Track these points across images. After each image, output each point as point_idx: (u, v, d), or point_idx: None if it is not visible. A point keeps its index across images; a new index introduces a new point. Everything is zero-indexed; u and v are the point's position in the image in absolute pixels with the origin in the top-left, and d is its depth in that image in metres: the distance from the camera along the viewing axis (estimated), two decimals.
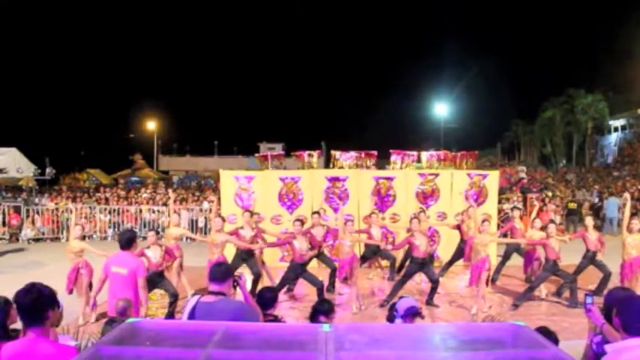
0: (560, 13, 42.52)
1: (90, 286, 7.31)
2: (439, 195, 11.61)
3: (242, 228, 8.72)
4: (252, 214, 8.82)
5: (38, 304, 2.45)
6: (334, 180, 11.48)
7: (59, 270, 10.78)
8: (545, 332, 3.28)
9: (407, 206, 11.39)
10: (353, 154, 12.11)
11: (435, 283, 8.16)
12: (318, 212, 9.19)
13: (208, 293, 3.34)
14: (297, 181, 11.47)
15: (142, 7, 49.46)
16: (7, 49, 38.84)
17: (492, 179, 12.04)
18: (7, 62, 39.08)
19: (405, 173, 11.81)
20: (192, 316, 3.21)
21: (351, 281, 8.05)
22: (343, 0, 56.62)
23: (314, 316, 3.90)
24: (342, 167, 11.96)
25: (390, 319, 3.89)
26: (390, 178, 11.63)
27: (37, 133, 36.27)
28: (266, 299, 3.98)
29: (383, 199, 11.52)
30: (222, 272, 3.42)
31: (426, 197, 11.59)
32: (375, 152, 12.39)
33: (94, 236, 16.59)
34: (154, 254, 7.08)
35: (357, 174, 11.65)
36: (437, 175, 11.76)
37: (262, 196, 11.29)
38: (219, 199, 11.40)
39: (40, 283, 2.54)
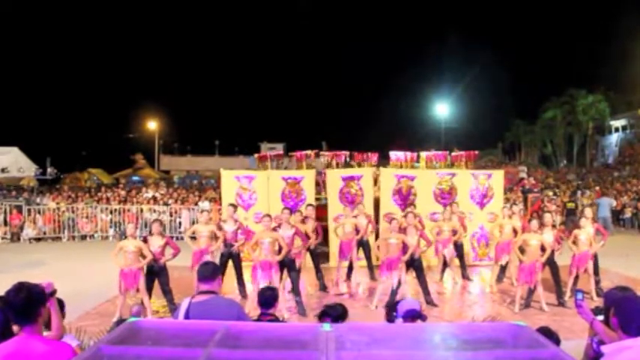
0: (561, 13, 42.48)
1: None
2: (456, 194, 11.62)
3: (225, 222, 8.83)
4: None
5: (29, 303, 2.47)
6: (349, 179, 11.52)
7: (60, 269, 10.86)
8: (547, 332, 3.29)
9: (426, 205, 11.39)
10: (343, 153, 12.23)
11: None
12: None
13: (199, 293, 3.37)
14: (300, 181, 11.51)
15: (142, 7, 49.46)
16: (8, 49, 38.90)
17: (497, 178, 12.07)
18: (8, 62, 39.13)
19: (424, 173, 11.86)
20: (186, 317, 3.25)
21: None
22: (344, 0, 56.56)
23: (322, 317, 3.90)
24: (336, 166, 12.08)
25: (390, 319, 3.89)
26: (411, 178, 11.66)
27: (38, 132, 36.31)
28: (266, 298, 3.98)
29: (404, 197, 11.55)
30: (210, 271, 3.48)
31: (444, 197, 11.59)
32: (376, 153, 12.48)
33: (96, 236, 16.63)
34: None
35: (371, 172, 11.73)
36: (454, 174, 11.81)
37: (265, 196, 11.33)
38: (220, 198, 11.45)
39: (29, 282, 2.56)
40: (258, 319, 3.83)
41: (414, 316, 3.74)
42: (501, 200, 11.88)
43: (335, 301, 4.31)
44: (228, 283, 8.85)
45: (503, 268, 9.67)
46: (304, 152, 12.21)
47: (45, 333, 2.70)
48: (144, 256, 7.34)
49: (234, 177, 11.74)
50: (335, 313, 3.92)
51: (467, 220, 11.32)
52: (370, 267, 10.10)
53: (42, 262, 11.90)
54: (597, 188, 21.69)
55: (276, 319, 3.93)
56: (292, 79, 51.55)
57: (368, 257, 10.13)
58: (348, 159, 12.33)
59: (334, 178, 11.62)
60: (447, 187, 11.67)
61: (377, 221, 11.15)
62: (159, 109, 42.73)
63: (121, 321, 4.54)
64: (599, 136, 39.11)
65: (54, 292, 2.84)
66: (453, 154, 12.78)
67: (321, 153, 12.96)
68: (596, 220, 16.39)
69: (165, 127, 44.49)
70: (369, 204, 11.38)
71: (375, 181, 11.93)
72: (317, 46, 53.83)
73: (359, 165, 12.25)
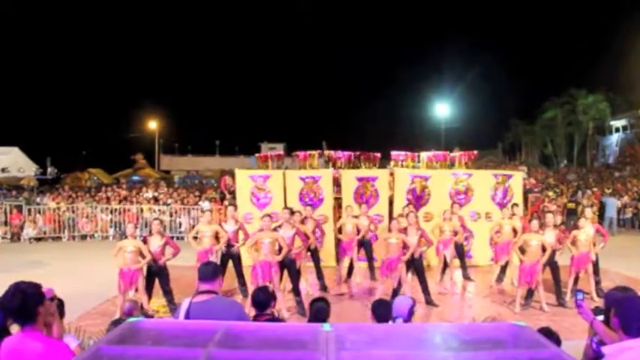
0: (562, 13, 42.42)
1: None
2: (472, 195, 11.65)
3: (226, 222, 8.86)
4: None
5: (26, 304, 2.49)
6: (364, 180, 11.56)
7: (61, 269, 10.85)
8: (548, 333, 3.29)
9: (440, 206, 11.35)
10: (348, 153, 12.24)
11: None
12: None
13: (199, 293, 3.37)
14: (318, 181, 11.53)
15: (142, 7, 49.46)
16: (9, 49, 38.91)
17: (517, 179, 12.10)
18: (8, 62, 39.14)
19: (439, 173, 11.88)
20: (186, 317, 3.24)
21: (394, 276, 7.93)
22: (344, 0, 56.54)
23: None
24: (340, 167, 12.08)
25: (384, 317, 3.90)
26: (425, 178, 11.69)
27: (38, 132, 36.30)
28: (260, 301, 3.97)
29: (418, 197, 11.58)
30: (211, 271, 3.48)
31: (460, 197, 11.58)
32: (378, 153, 12.53)
33: (96, 236, 16.62)
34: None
35: (387, 174, 11.81)
36: (470, 175, 11.84)
37: (280, 196, 11.37)
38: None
39: (24, 281, 2.56)
40: (254, 320, 3.82)
41: (414, 310, 3.83)
42: (521, 201, 11.91)
43: (321, 300, 4.32)
44: (231, 284, 8.86)
45: (503, 268, 9.67)
46: (308, 152, 12.22)
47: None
48: (143, 256, 7.34)
49: (248, 176, 11.71)
50: (325, 315, 3.95)
51: (484, 220, 11.37)
52: (371, 267, 10.10)
53: (42, 262, 11.89)
54: (595, 189, 21.65)
55: (273, 318, 3.92)
56: (292, 79, 51.61)
57: (369, 257, 10.13)
58: (354, 159, 12.37)
59: (349, 178, 11.66)
60: (463, 187, 11.70)
61: (390, 221, 11.20)
62: (159, 109, 42.80)
63: (117, 321, 4.55)
64: (600, 136, 39.06)
65: (54, 297, 2.83)
66: (452, 154, 12.78)
67: (326, 153, 12.94)
68: (603, 220, 16.41)
69: (166, 127, 44.56)
70: (385, 205, 11.48)
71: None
72: (317, 46, 53.86)
73: (360, 163, 12.29)
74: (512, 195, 11.77)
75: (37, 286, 2.59)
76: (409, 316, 3.90)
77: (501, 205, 11.60)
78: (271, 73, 51.28)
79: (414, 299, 4.34)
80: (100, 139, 41.84)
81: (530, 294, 8.02)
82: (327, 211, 11.31)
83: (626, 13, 32.75)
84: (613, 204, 17.78)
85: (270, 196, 11.42)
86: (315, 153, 12.22)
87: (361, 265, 10.16)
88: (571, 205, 17.11)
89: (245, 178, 11.71)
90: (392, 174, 11.96)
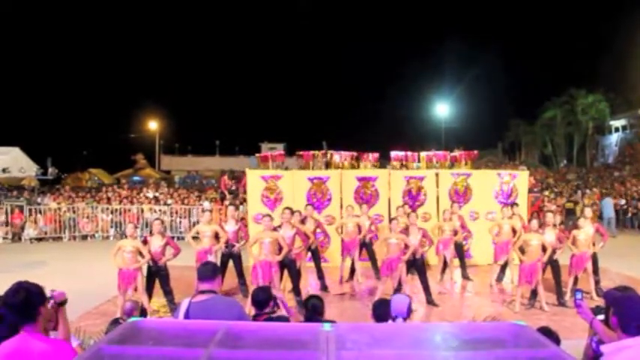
0: (561, 12, 42.36)
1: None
2: (471, 194, 11.68)
3: (226, 222, 8.87)
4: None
5: (28, 302, 2.49)
6: (364, 180, 11.58)
7: (61, 269, 10.86)
8: (547, 332, 3.30)
9: (439, 205, 11.42)
10: (347, 153, 12.29)
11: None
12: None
13: (199, 293, 3.37)
14: (326, 181, 11.55)
15: (142, 7, 49.42)
16: (8, 50, 38.90)
17: (522, 179, 12.09)
18: (8, 62, 39.12)
19: (436, 173, 11.90)
20: (186, 317, 3.24)
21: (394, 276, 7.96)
22: (344, 0, 56.48)
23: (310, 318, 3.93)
24: (339, 167, 12.10)
25: (384, 317, 3.91)
26: (420, 178, 11.71)
27: (39, 133, 36.24)
28: (259, 300, 3.98)
29: (414, 198, 11.59)
30: (210, 270, 3.50)
31: (459, 197, 11.60)
32: (377, 153, 12.54)
33: (97, 236, 16.63)
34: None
35: (387, 174, 11.86)
36: (469, 174, 11.85)
37: (290, 196, 11.37)
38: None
39: (27, 281, 2.57)
40: (254, 319, 3.83)
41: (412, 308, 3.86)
42: (525, 201, 11.87)
43: (315, 297, 4.32)
44: (231, 283, 8.86)
45: (503, 268, 9.68)
46: (312, 152, 12.23)
47: (52, 334, 2.71)
48: (143, 256, 7.34)
49: (260, 177, 11.69)
50: (321, 311, 3.96)
51: (484, 219, 11.38)
52: (375, 266, 10.08)
53: (43, 262, 11.90)
54: (595, 189, 21.63)
55: (270, 318, 3.93)
56: (292, 78, 51.50)
57: (372, 257, 10.12)
58: (355, 159, 12.42)
59: (349, 178, 11.67)
60: (463, 187, 11.70)
61: (390, 221, 11.21)
62: (159, 109, 42.76)
63: (116, 320, 4.55)
64: (599, 136, 39.04)
65: (64, 301, 2.82)
66: (452, 154, 12.79)
67: (328, 153, 12.94)
68: (602, 220, 16.36)
69: (166, 127, 44.54)
70: (385, 205, 11.50)
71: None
72: (317, 46, 53.72)
73: (358, 163, 12.31)
74: (516, 194, 11.77)
75: (39, 287, 2.59)
76: (408, 314, 3.91)
77: (505, 205, 11.63)
78: (271, 73, 51.24)
79: (410, 297, 4.36)
80: (100, 139, 41.83)
81: (533, 294, 8.01)
82: (334, 212, 11.35)
83: (626, 13, 32.72)
84: (610, 204, 17.77)
85: (281, 196, 11.44)
86: (320, 153, 12.21)
87: (363, 265, 10.15)
88: (570, 205, 17.11)
89: (256, 178, 11.69)
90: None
